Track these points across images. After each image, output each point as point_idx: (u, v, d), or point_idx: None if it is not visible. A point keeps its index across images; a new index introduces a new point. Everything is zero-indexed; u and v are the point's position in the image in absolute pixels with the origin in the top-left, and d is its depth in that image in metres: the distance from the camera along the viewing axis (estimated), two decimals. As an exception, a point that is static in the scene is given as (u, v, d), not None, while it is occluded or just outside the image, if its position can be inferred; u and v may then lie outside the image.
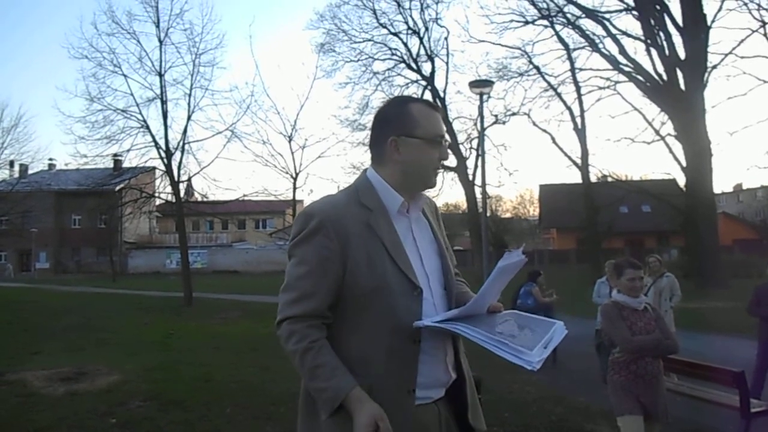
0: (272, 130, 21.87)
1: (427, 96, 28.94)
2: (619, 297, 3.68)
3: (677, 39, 22.68)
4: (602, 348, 4.15)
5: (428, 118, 1.72)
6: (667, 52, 22.94)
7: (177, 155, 20.01)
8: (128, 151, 20.50)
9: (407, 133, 1.69)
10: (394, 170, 1.71)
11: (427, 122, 1.71)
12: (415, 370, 1.59)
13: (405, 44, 28.90)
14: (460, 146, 28.92)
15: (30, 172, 42.92)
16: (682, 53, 22.51)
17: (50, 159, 48.93)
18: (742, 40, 22.58)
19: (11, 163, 38.90)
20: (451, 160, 28.97)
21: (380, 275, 1.59)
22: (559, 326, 1.69)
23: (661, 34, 23.12)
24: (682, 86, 22.49)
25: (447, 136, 1.77)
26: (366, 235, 1.62)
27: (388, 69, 29.31)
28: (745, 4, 21.80)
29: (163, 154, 19.91)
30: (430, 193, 1.91)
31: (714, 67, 22.52)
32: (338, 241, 1.59)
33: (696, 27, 21.85)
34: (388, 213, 1.69)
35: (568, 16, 25.59)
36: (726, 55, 22.64)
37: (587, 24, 25.50)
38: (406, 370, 1.59)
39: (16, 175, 40.36)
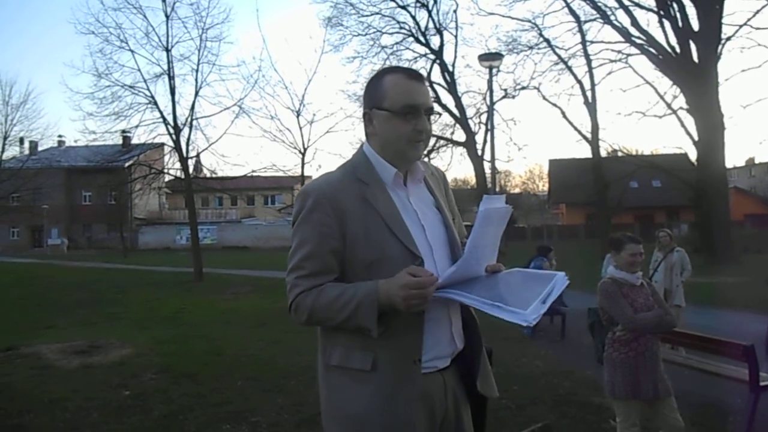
0: (280, 105, 21.95)
1: (436, 70, 28.75)
2: (617, 273, 3.61)
3: (691, 10, 22.24)
4: (596, 327, 4.10)
5: (398, 88, 1.65)
6: (680, 23, 22.52)
7: (185, 131, 20.01)
8: (137, 127, 20.50)
9: (377, 105, 1.67)
10: (375, 143, 1.71)
11: (396, 93, 1.64)
12: (420, 339, 1.60)
13: (413, 17, 28.52)
14: (469, 121, 28.74)
15: (40, 149, 43.21)
16: (695, 25, 22.08)
17: (59, 136, 49.35)
18: (757, 11, 22.10)
19: (21, 140, 39.27)
20: (460, 135, 28.87)
21: (379, 247, 1.60)
22: (560, 277, 1.65)
23: (674, 5, 22.67)
24: (695, 59, 22.11)
25: (427, 105, 1.67)
26: (363, 209, 1.62)
27: (397, 43, 28.96)
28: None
29: (172, 130, 19.91)
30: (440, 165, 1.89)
31: (728, 38, 22.12)
32: (335, 217, 1.60)
33: (710, -3, 21.42)
34: (384, 186, 1.68)
35: (580, -13, 25.12)
36: (740, 26, 22.22)
37: (599, -5, 25.03)
38: (411, 340, 1.60)
39: (27, 152, 40.70)
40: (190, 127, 20.01)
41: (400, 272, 1.50)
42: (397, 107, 1.63)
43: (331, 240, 1.60)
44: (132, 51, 19.94)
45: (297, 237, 1.65)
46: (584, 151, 33.00)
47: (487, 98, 18.01)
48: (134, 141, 23.05)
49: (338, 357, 1.64)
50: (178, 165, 20.66)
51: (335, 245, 1.60)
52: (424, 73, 27.63)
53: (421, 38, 28.65)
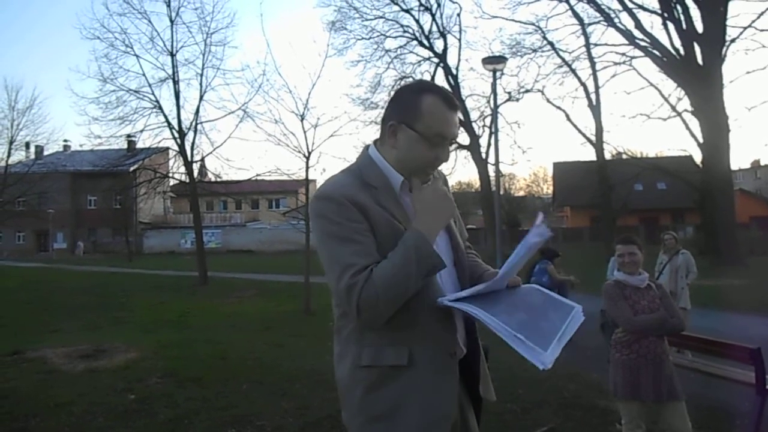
0: (284, 109, 21.86)
1: (439, 73, 28.74)
2: (620, 275, 3.61)
3: (695, 12, 22.24)
4: (606, 328, 4.10)
5: (436, 115, 1.62)
6: (684, 25, 22.49)
7: (190, 135, 20.13)
8: (141, 131, 20.64)
9: (408, 123, 1.63)
10: (391, 154, 1.69)
11: (433, 119, 1.61)
12: (454, 333, 1.65)
13: (417, 21, 28.58)
14: (473, 124, 28.73)
15: (45, 153, 43.36)
16: (699, 27, 22.06)
17: (65, 140, 49.57)
18: (762, 13, 22.14)
19: (27, 145, 39.36)
20: (464, 138, 28.84)
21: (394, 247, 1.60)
22: (577, 312, 1.68)
23: (678, 7, 22.65)
24: (700, 61, 22.08)
25: (455, 136, 1.68)
26: (379, 212, 1.61)
27: (400, 46, 29.03)
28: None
29: (176, 135, 20.00)
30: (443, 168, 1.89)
31: (732, 40, 22.11)
32: (362, 215, 1.58)
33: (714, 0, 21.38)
34: (393, 190, 1.68)
35: (584, -11, 25.11)
36: (745, 28, 22.21)
37: (603, -3, 25.03)
38: (446, 334, 1.63)
39: (32, 156, 40.78)
40: (195, 132, 20.15)
41: (426, 189, 1.63)
42: (430, 134, 1.62)
43: (367, 233, 1.57)
44: (137, 56, 20.12)
45: (333, 240, 1.57)
46: (589, 154, 33.01)
47: (491, 101, 18.05)
48: (139, 145, 23.18)
49: (369, 356, 1.60)
50: (182, 169, 20.81)
51: (372, 238, 1.58)
52: (428, 77, 27.78)
53: (425, 42, 28.71)
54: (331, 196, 1.60)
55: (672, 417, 3.42)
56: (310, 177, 13.17)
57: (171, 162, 22.15)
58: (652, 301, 3.50)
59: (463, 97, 28.70)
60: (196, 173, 21.14)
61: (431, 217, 1.58)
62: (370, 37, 28.45)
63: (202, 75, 20.04)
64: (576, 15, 25.84)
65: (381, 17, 28.26)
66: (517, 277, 1.73)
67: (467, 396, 1.75)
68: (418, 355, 1.57)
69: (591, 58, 26.16)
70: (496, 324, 1.50)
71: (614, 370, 3.55)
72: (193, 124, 20.10)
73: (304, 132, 12.66)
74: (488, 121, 27.87)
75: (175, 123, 20.00)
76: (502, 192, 29.79)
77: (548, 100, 27.82)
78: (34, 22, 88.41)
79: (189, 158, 19.97)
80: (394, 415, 1.57)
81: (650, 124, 56.09)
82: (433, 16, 28.24)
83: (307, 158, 12.47)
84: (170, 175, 22.17)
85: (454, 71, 28.80)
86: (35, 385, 6.12)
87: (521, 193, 62.82)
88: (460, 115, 1.72)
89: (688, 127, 23.24)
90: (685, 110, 23.35)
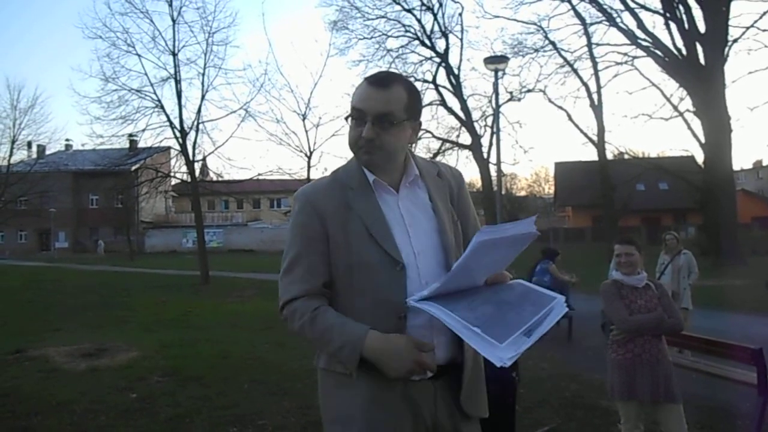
0: (286, 108, 21.80)
1: (441, 73, 28.72)
2: (617, 275, 3.60)
3: (697, 12, 22.20)
4: (607, 328, 4.11)
5: (356, 92, 1.64)
6: (686, 25, 22.46)
7: (191, 135, 20.12)
8: (143, 131, 20.61)
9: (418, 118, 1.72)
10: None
11: (354, 97, 1.63)
12: None
13: (419, 21, 28.54)
14: (475, 124, 28.72)
15: (47, 152, 43.45)
16: (702, 27, 22.02)
17: (67, 139, 49.69)
18: (764, 13, 22.03)
19: (29, 144, 39.52)
20: (466, 138, 28.85)
21: (358, 252, 1.59)
22: (557, 303, 1.55)
23: (681, 7, 22.61)
24: (702, 61, 22.04)
25: (371, 109, 1.59)
26: (344, 214, 1.62)
27: (402, 46, 29.00)
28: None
29: (178, 134, 20.00)
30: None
31: (735, 40, 22.07)
32: (318, 220, 1.63)
33: (717, -1, 21.36)
34: (372, 190, 1.66)
35: (585, -11, 25.08)
36: (747, 28, 22.18)
37: (605, -3, 25.00)
38: None
39: (34, 156, 40.90)
40: (197, 131, 20.15)
41: (402, 338, 1.50)
42: (352, 111, 1.65)
43: (317, 243, 1.62)
44: (139, 55, 20.10)
45: (287, 240, 1.70)
46: (590, 154, 33.01)
47: (493, 101, 18.02)
48: (141, 144, 23.17)
49: (324, 360, 1.68)
50: (184, 168, 20.79)
51: (321, 248, 1.62)
52: (430, 77, 27.74)
53: (427, 41, 28.68)
54: (297, 197, 1.70)
55: (667, 419, 3.42)
56: (312, 176, 13.22)
57: (173, 161, 22.19)
58: (649, 301, 3.48)
59: (465, 97, 28.71)
60: (197, 173, 21.16)
61: (382, 357, 1.49)
62: (372, 37, 28.46)
63: (203, 74, 20.06)
64: (578, 15, 25.84)
65: (383, 17, 28.26)
66: (503, 273, 1.65)
67: (457, 406, 1.66)
68: (364, 366, 1.53)
69: (593, 58, 26.14)
70: (451, 319, 1.41)
71: (610, 370, 3.55)
72: (195, 123, 20.11)
73: (306, 131, 12.79)
74: (490, 120, 27.88)
75: (176, 122, 20.01)
76: (503, 192, 29.75)
77: (550, 100, 27.84)
78: (36, 21, 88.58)
79: (191, 157, 19.99)
80: (346, 422, 1.61)
81: (652, 124, 56.14)
82: (434, 15, 28.24)
83: (309, 158, 12.54)
84: (172, 174, 22.17)
85: (456, 71, 28.77)
86: (37, 383, 6.13)
87: (523, 193, 62.80)
88: (396, 91, 1.61)
89: (690, 128, 23.25)
90: (687, 110, 23.35)
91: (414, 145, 1.88)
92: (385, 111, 1.59)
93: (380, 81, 1.63)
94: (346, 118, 1.66)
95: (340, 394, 1.63)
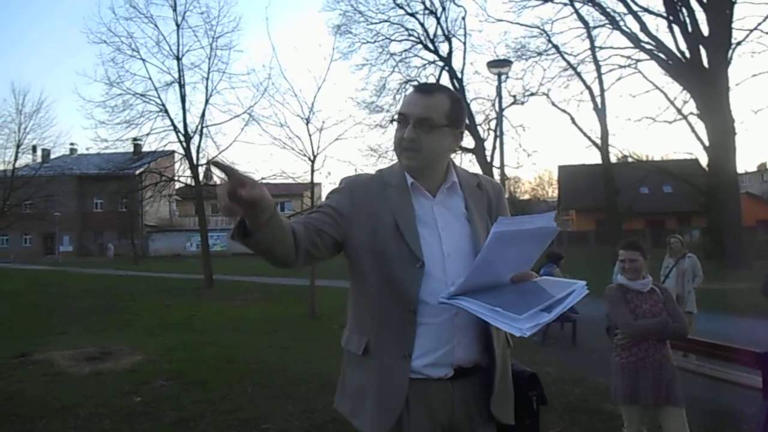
0: (290, 112, 21.78)
1: (444, 77, 28.72)
2: (622, 279, 3.59)
3: (700, 15, 22.16)
4: (611, 331, 4.10)
5: (403, 99, 1.76)
6: (689, 28, 22.43)
7: (195, 139, 20.16)
8: (147, 135, 20.69)
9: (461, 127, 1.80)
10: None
11: (401, 103, 1.75)
12: (411, 338, 1.64)
13: (422, 24, 28.55)
14: (478, 127, 28.66)
15: (52, 156, 43.57)
16: (705, 30, 21.99)
17: (71, 144, 49.88)
18: (768, 16, 22.01)
19: (34, 148, 39.55)
20: (469, 142, 28.80)
21: (383, 242, 1.66)
22: (579, 286, 1.61)
23: (684, 10, 22.60)
24: (706, 64, 22.01)
25: (415, 114, 1.68)
26: (378, 205, 1.71)
27: (405, 50, 28.98)
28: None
29: (182, 138, 20.07)
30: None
31: (738, 43, 22.02)
32: (351, 201, 1.72)
33: (720, 2, 21.31)
34: (408, 191, 1.74)
35: (589, -8, 25.09)
36: (751, 31, 22.13)
37: (608, 1, 25.08)
38: (401, 336, 1.65)
39: (39, 160, 40.98)
40: (201, 135, 20.19)
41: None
42: (398, 116, 1.75)
43: (338, 217, 1.69)
44: (143, 60, 20.20)
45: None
46: (594, 157, 32.90)
47: (496, 104, 17.96)
48: (145, 149, 23.22)
49: (344, 339, 1.82)
50: (188, 172, 20.83)
51: (339, 221, 1.69)
52: (433, 81, 27.78)
53: (430, 45, 28.69)
54: (341, 181, 1.82)
55: (669, 423, 3.41)
56: (315, 180, 13.19)
57: (177, 165, 22.19)
58: (654, 305, 3.48)
59: (468, 101, 28.67)
60: (201, 176, 21.20)
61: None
62: (375, 41, 28.47)
63: (207, 79, 20.10)
64: (581, 18, 25.83)
65: (386, 21, 28.29)
66: (529, 272, 1.69)
67: (481, 413, 1.71)
68: (372, 348, 1.68)
69: (596, 62, 26.11)
70: (475, 305, 1.46)
71: (614, 373, 3.55)
72: (199, 127, 20.15)
73: (310, 135, 12.71)
74: (493, 124, 27.82)
75: (181, 126, 20.07)
76: (507, 195, 29.66)
77: (553, 104, 27.80)
78: (40, 26, 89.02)
79: (195, 161, 20.02)
80: (358, 396, 1.71)
81: (656, 127, 56.06)
82: (438, 19, 28.25)
83: (313, 161, 12.49)
84: (176, 178, 22.20)
85: (459, 75, 28.75)
86: (41, 387, 6.15)
87: (526, 197, 62.77)
88: (438, 99, 1.71)
89: (693, 130, 23.21)
90: (691, 113, 23.31)
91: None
92: (426, 115, 1.68)
93: (425, 88, 1.76)
94: (391, 121, 1.77)
95: (351, 371, 1.77)
